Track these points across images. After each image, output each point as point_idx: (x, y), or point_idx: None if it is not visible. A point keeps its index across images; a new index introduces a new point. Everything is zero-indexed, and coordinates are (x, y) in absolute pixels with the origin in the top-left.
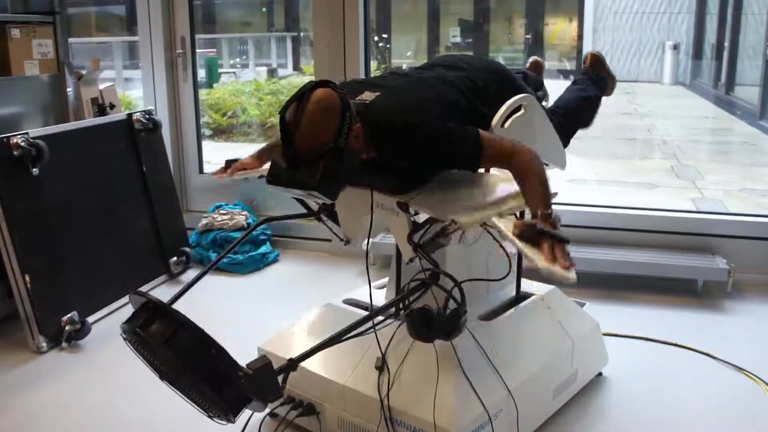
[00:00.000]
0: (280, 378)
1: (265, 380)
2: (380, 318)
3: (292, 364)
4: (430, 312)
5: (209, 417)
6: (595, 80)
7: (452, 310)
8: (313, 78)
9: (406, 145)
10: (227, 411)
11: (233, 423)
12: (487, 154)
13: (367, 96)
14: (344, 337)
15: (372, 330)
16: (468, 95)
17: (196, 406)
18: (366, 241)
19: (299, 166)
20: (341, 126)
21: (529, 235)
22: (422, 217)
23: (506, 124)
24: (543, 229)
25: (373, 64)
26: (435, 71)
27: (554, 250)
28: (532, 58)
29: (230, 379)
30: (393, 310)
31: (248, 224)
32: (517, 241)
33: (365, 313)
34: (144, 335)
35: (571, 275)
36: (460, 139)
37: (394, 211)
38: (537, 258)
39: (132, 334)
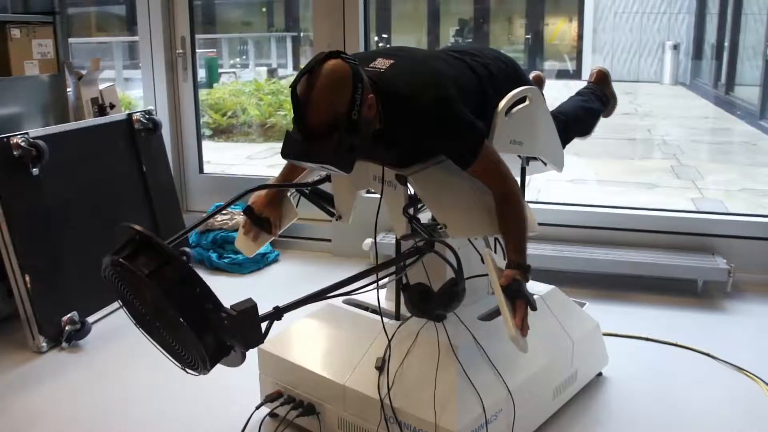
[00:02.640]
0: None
1: (248, 323)
2: (370, 280)
3: (278, 312)
4: (426, 286)
5: (183, 368)
6: (598, 96)
7: (449, 280)
8: None
9: (416, 118)
10: (204, 358)
11: (206, 373)
12: (481, 160)
13: (381, 63)
14: (333, 294)
15: (367, 289)
16: (483, 80)
17: (170, 356)
18: (373, 239)
19: (313, 140)
20: (353, 98)
21: (512, 290)
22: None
23: (509, 114)
24: (524, 290)
25: None
26: (448, 54)
27: (525, 317)
28: (533, 73)
29: (213, 321)
30: (387, 271)
31: None
32: (499, 293)
33: (366, 313)
34: (128, 266)
35: (525, 347)
36: (466, 135)
37: (391, 183)
38: (508, 321)
39: (115, 265)
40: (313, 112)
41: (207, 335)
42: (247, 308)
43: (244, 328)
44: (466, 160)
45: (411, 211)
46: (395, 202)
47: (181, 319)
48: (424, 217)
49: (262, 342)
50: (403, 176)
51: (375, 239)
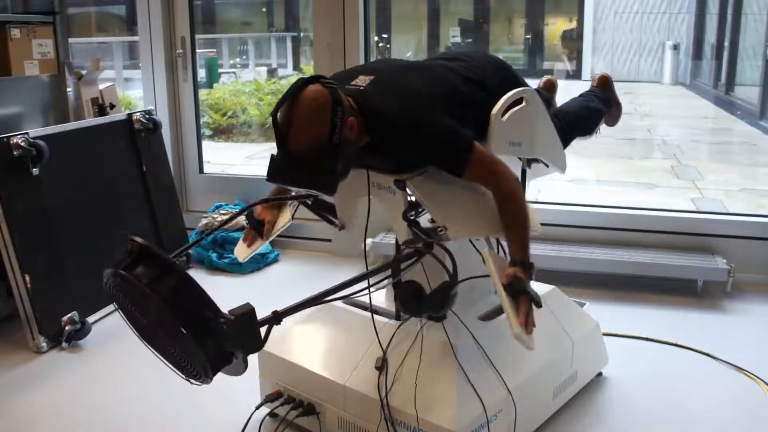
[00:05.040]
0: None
1: (247, 328)
2: (371, 283)
3: (276, 317)
4: (419, 286)
5: (186, 378)
6: (600, 98)
7: (442, 283)
8: None
9: (397, 134)
10: (206, 366)
11: (209, 383)
12: (474, 165)
13: (362, 81)
14: (331, 297)
15: (365, 292)
16: (469, 83)
17: (173, 366)
18: (364, 238)
19: (295, 165)
20: (333, 123)
21: (515, 289)
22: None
23: (506, 116)
24: (526, 288)
25: None
26: (436, 62)
27: (529, 314)
28: (545, 77)
29: (213, 328)
30: (385, 274)
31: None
32: (502, 292)
33: (366, 313)
34: (128, 276)
35: (531, 343)
36: (450, 145)
37: (390, 190)
38: (512, 318)
39: (115, 276)
40: (294, 140)
41: (208, 342)
42: (245, 312)
43: (243, 333)
44: (457, 169)
45: (411, 215)
46: (395, 207)
47: (182, 327)
48: (424, 220)
49: (262, 347)
50: (401, 181)
51: (365, 246)
